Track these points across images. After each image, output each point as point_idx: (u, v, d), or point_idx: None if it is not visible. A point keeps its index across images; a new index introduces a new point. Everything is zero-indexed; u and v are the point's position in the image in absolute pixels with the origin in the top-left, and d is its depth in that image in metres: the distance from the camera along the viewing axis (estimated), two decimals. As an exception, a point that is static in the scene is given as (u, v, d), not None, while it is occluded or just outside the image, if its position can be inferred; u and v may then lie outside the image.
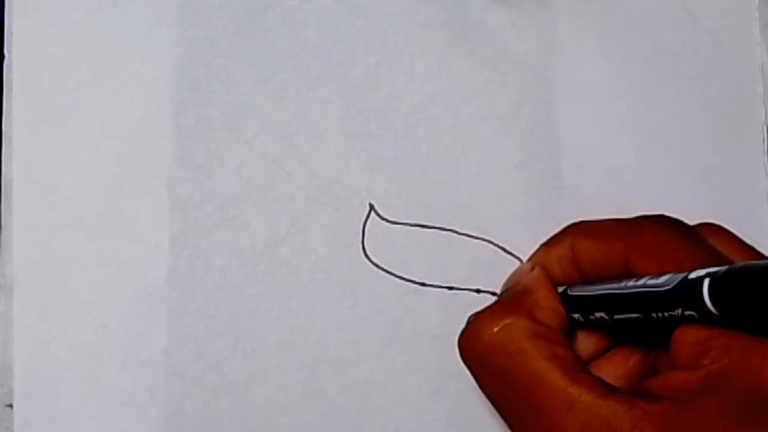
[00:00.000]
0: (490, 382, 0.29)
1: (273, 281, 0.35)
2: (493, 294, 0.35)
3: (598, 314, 0.29)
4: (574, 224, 0.32)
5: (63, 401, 0.34)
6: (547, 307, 0.30)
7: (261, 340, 0.35)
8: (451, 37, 0.37)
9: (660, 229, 0.29)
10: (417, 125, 0.36)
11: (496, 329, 0.28)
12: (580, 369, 0.27)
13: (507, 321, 0.28)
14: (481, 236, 0.36)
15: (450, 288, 0.35)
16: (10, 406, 0.34)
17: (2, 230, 0.34)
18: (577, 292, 0.30)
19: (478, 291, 0.35)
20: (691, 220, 0.37)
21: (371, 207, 0.35)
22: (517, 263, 0.35)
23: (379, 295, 0.35)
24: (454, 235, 0.36)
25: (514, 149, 0.36)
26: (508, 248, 0.35)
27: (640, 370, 0.31)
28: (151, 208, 0.35)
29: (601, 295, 0.29)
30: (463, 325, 0.29)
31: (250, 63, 0.36)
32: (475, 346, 0.29)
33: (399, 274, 0.35)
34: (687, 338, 0.26)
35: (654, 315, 0.26)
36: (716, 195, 0.37)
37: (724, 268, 0.24)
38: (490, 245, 0.36)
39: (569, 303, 0.30)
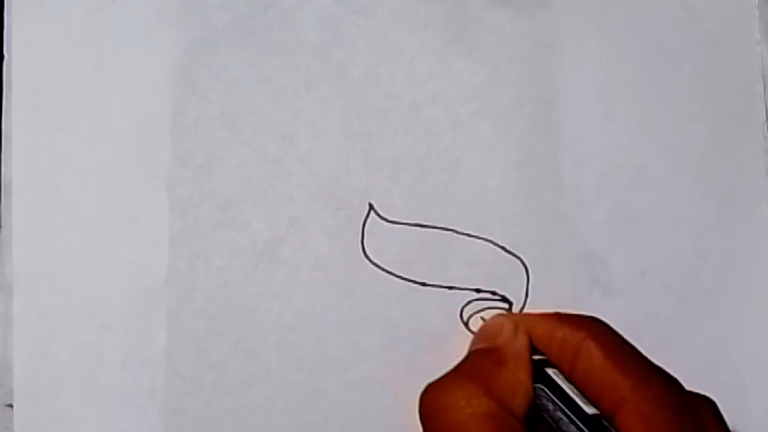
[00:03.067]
0: None
1: (273, 281, 0.35)
2: (493, 294, 0.35)
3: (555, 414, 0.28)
4: (596, 321, 0.30)
5: (63, 401, 0.34)
6: (519, 392, 0.28)
7: (261, 340, 0.35)
8: (451, 37, 0.37)
9: (661, 400, 0.27)
10: (417, 124, 0.36)
11: (462, 403, 0.27)
12: None
13: (473, 400, 0.27)
14: (480, 236, 0.36)
15: (450, 288, 0.35)
16: (10, 406, 0.34)
17: (2, 230, 0.34)
18: (548, 385, 0.29)
19: (477, 291, 0.35)
20: (691, 220, 0.37)
21: (371, 206, 0.35)
22: (517, 263, 0.35)
23: (378, 295, 0.35)
24: (454, 234, 0.36)
25: (514, 148, 0.36)
26: (508, 248, 0.35)
27: None
28: (151, 207, 0.35)
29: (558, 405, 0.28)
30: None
31: (250, 62, 0.36)
32: (437, 412, 0.28)
33: (399, 273, 0.35)
34: None
35: None
36: (716, 195, 0.37)
37: None
38: (490, 245, 0.36)
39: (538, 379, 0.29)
